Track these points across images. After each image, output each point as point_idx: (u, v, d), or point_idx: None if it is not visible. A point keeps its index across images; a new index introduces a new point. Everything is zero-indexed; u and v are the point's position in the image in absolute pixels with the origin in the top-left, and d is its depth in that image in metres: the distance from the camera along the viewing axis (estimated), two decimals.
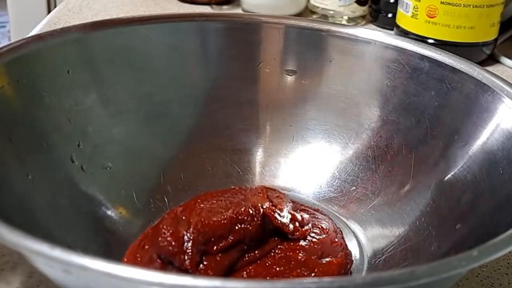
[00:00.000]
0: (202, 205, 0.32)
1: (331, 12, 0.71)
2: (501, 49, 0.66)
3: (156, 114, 0.39)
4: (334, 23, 0.46)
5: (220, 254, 0.29)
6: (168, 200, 0.37)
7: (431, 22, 0.60)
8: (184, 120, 0.41)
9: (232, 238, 0.29)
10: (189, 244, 0.29)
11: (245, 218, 0.30)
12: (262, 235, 0.31)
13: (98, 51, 0.38)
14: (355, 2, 0.70)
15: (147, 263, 0.29)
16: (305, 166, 0.41)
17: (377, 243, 0.35)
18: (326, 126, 0.41)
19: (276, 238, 0.31)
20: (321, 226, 0.33)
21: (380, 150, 0.39)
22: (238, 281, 0.20)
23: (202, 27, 0.42)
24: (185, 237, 0.29)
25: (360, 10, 0.72)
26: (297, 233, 0.32)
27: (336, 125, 0.41)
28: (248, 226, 0.30)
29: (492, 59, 0.65)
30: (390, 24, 0.68)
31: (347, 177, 0.39)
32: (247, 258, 0.30)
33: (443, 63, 0.37)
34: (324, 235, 0.32)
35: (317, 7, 0.72)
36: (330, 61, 0.41)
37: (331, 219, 0.35)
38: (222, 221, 0.30)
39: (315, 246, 0.31)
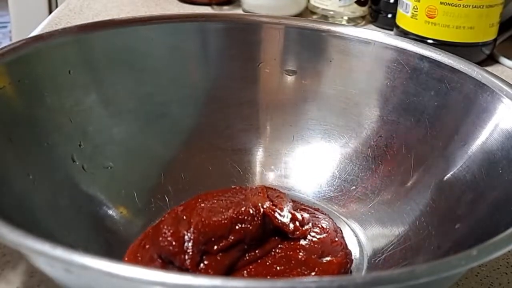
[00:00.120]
0: (202, 205, 0.32)
1: (331, 12, 0.71)
2: (500, 49, 0.66)
3: (156, 114, 0.40)
4: (334, 23, 0.46)
5: (220, 254, 0.29)
6: (168, 199, 0.37)
7: (430, 23, 0.60)
8: (184, 120, 0.41)
9: (232, 237, 0.29)
10: (190, 244, 0.29)
11: (246, 217, 0.30)
12: (262, 234, 0.31)
13: (98, 52, 0.38)
14: (355, 2, 0.70)
15: (147, 263, 0.30)
16: (305, 165, 0.41)
17: (377, 242, 0.35)
18: (326, 126, 0.41)
19: (276, 238, 0.31)
20: (321, 225, 0.33)
21: (380, 150, 0.39)
22: (238, 280, 0.20)
23: (203, 27, 0.42)
24: (186, 237, 0.29)
25: (360, 10, 0.72)
26: (297, 233, 0.32)
27: (336, 125, 0.41)
28: (249, 225, 0.30)
29: (492, 59, 0.65)
30: (390, 25, 0.68)
31: (347, 176, 0.39)
32: (247, 258, 0.30)
33: (442, 63, 0.37)
34: (324, 235, 0.33)
35: (317, 7, 0.72)
36: (330, 61, 0.41)
37: (331, 219, 0.35)
38: (223, 221, 0.30)
39: (315, 245, 0.32)
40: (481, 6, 0.58)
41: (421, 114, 0.38)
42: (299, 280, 0.19)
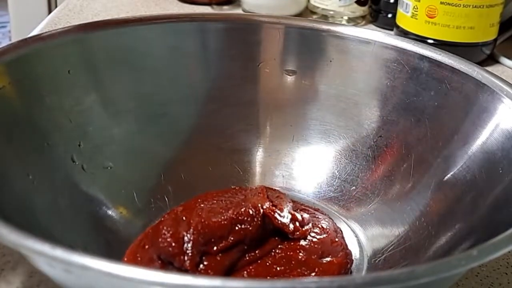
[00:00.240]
0: (202, 205, 0.32)
1: (331, 12, 0.71)
2: (500, 49, 0.66)
3: (156, 114, 0.40)
4: (334, 23, 0.46)
5: (220, 254, 0.29)
6: (168, 199, 0.37)
7: (430, 22, 0.60)
8: (184, 120, 0.41)
9: (232, 238, 0.29)
10: (189, 245, 0.29)
11: (245, 218, 0.30)
12: (262, 235, 0.31)
13: (98, 51, 0.38)
14: (355, 2, 0.70)
15: (147, 263, 0.30)
16: (305, 166, 0.41)
17: (377, 242, 0.35)
18: (326, 126, 0.41)
19: (276, 238, 0.31)
20: (321, 225, 0.33)
21: (380, 150, 0.39)
22: (238, 280, 0.20)
23: (202, 27, 0.42)
24: (185, 238, 0.29)
25: (360, 10, 0.72)
26: (297, 233, 0.32)
27: (336, 125, 0.41)
28: (248, 226, 0.30)
29: (492, 59, 0.65)
30: (390, 24, 0.68)
31: (347, 176, 0.39)
32: (247, 258, 0.30)
33: (442, 63, 0.37)
34: (324, 235, 0.33)
35: (317, 7, 0.72)
36: (330, 61, 0.41)
37: (331, 219, 0.35)
38: (222, 222, 0.30)
39: (315, 245, 0.32)
40: (481, 6, 0.58)
41: (421, 114, 0.38)
42: (299, 281, 0.19)
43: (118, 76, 0.38)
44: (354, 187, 0.39)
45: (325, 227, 0.33)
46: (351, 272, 0.32)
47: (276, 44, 0.42)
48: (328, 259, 0.31)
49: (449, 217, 0.32)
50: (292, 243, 0.31)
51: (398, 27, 0.64)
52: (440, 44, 0.58)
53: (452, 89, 0.36)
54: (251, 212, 0.30)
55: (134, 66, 0.39)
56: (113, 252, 0.32)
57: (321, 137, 0.41)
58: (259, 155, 0.41)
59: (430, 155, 0.36)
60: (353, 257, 0.33)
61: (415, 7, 0.61)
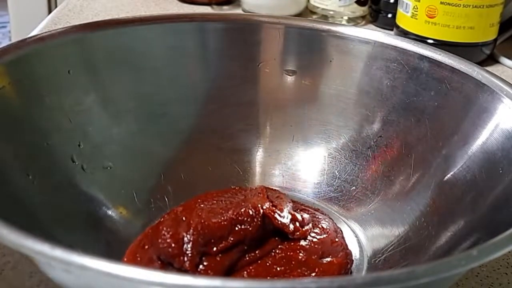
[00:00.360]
0: (202, 205, 0.32)
1: (331, 12, 0.71)
2: (500, 49, 0.66)
3: (156, 114, 0.40)
4: (334, 23, 0.46)
5: (220, 255, 0.29)
6: (168, 200, 0.37)
7: (430, 22, 0.60)
8: (184, 120, 0.41)
9: (232, 239, 0.29)
10: (189, 246, 0.29)
11: (245, 219, 0.30)
12: (262, 235, 0.31)
13: (98, 51, 0.38)
14: (355, 2, 0.70)
15: (146, 263, 0.30)
16: (305, 166, 0.41)
17: (377, 242, 0.35)
18: (326, 126, 0.41)
19: (276, 238, 0.31)
20: (322, 226, 0.33)
21: (380, 150, 0.39)
22: (238, 280, 0.20)
23: (202, 27, 0.42)
24: (185, 238, 0.29)
25: (360, 10, 0.72)
26: (298, 233, 0.32)
27: (336, 125, 0.41)
28: (248, 226, 0.30)
29: (492, 59, 0.65)
30: (390, 24, 0.68)
31: (347, 176, 0.39)
32: (247, 258, 0.30)
33: (442, 63, 0.37)
34: (324, 235, 0.33)
35: (317, 7, 0.72)
36: (330, 61, 0.41)
37: (331, 219, 0.35)
38: (222, 222, 0.30)
39: (316, 246, 0.32)
40: (481, 6, 0.58)
41: (421, 114, 0.38)
42: (299, 281, 0.19)
43: (118, 76, 0.38)
44: (354, 187, 0.39)
45: (325, 227, 0.33)
46: (351, 272, 0.32)
47: (276, 44, 0.42)
48: (328, 259, 0.31)
49: (449, 217, 0.32)
50: (292, 243, 0.31)
51: (398, 27, 0.64)
52: (440, 44, 0.58)
53: (452, 89, 0.36)
54: (251, 213, 0.30)
55: (134, 66, 0.39)
56: (113, 252, 0.32)
57: (321, 137, 0.41)
58: (259, 155, 0.41)
59: (430, 155, 0.36)
60: (353, 257, 0.33)
61: (415, 7, 0.61)
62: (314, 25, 0.42)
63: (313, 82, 0.42)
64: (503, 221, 0.27)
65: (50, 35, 0.36)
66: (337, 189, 0.39)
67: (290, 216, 0.32)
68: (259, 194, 0.33)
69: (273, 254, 0.31)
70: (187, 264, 0.28)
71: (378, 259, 0.33)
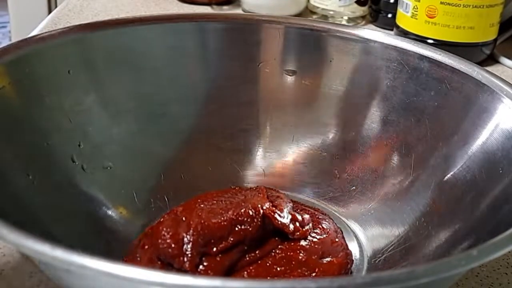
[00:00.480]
0: (202, 206, 0.32)
1: (331, 12, 0.71)
2: (500, 49, 0.66)
3: (156, 114, 0.40)
4: (334, 23, 0.46)
5: (220, 255, 0.29)
6: (168, 199, 0.37)
7: (430, 22, 0.60)
8: (184, 120, 0.41)
9: (232, 239, 0.29)
10: (189, 246, 0.29)
11: (245, 219, 0.30)
12: (262, 235, 0.31)
13: (98, 51, 0.38)
14: (355, 2, 0.70)
15: (146, 264, 0.30)
16: (305, 166, 0.41)
17: (377, 243, 0.35)
18: (326, 126, 0.41)
19: (276, 238, 0.31)
20: (322, 226, 0.33)
21: (380, 150, 0.39)
22: (238, 280, 0.20)
23: (202, 27, 0.42)
24: (185, 239, 0.29)
25: (360, 10, 0.72)
26: (298, 233, 0.32)
27: (336, 125, 0.41)
28: (248, 227, 0.30)
29: (492, 59, 0.65)
30: (390, 24, 0.68)
31: (347, 177, 0.39)
32: (247, 259, 0.30)
33: (442, 63, 0.37)
34: (324, 235, 0.33)
35: (317, 7, 0.72)
36: (330, 61, 0.41)
37: (331, 219, 0.35)
38: (222, 223, 0.30)
39: (316, 246, 0.32)
40: (481, 6, 0.58)
41: (421, 114, 0.38)
42: (299, 281, 0.19)
43: (118, 76, 0.38)
44: (354, 187, 0.39)
45: (325, 227, 0.33)
46: (351, 273, 0.32)
47: (276, 44, 0.42)
48: (329, 259, 0.31)
49: (449, 217, 0.32)
50: (292, 244, 0.31)
51: (398, 27, 0.64)
52: (440, 44, 0.58)
53: (452, 89, 0.36)
54: (251, 213, 0.30)
55: (134, 66, 0.39)
56: (113, 252, 0.32)
57: (321, 137, 0.41)
58: (259, 155, 0.41)
59: (430, 155, 0.36)
60: (353, 257, 0.33)
61: (415, 7, 0.61)
62: (314, 25, 0.42)
63: (313, 82, 0.42)
64: (503, 221, 0.27)
65: (50, 35, 0.36)
66: (337, 189, 0.39)
67: (290, 216, 0.32)
68: (259, 194, 0.33)
69: (273, 254, 0.31)
70: (187, 264, 0.28)
71: (378, 259, 0.33)
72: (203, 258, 0.29)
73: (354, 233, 0.36)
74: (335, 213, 0.37)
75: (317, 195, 0.39)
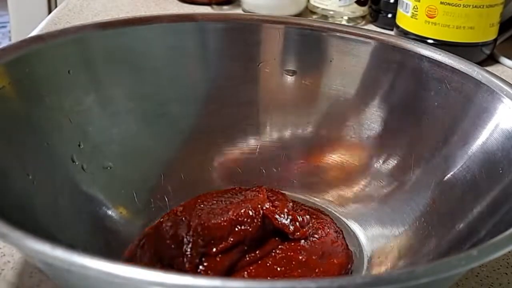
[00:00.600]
0: (202, 206, 0.32)
1: (331, 12, 0.71)
2: (500, 49, 0.66)
3: (156, 114, 0.40)
4: (334, 23, 0.46)
5: (220, 255, 0.29)
6: (168, 199, 0.37)
7: (430, 22, 0.60)
8: (184, 120, 0.41)
9: (232, 239, 0.29)
10: (189, 247, 0.29)
11: (245, 219, 0.30)
12: (262, 235, 0.31)
13: (98, 51, 0.38)
14: (355, 2, 0.70)
15: (146, 264, 0.30)
16: (305, 166, 0.41)
17: (377, 243, 0.35)
18: (326, 126, 0.41)
19: (276, 239, 0.31)
20: (322, 226, 0.33)
21: (380, 150, 0.39)
22: (238, 280, 0.20)
23: (202, 27, 0.42)
24: (185, 239, 0.29)
25: (360, 10, 0.72)
26: (298, 233, 0.32)
27: (336, 125, 0.41)
28: (248, 227, 0.30)
29: (492, 59, 0.65)
30: (390, 24, 0.68)
31: (347, 176, 0.39)
32: (247, 259, 0.30)
33: (442, 63, 0.37)
34: (324, 235, 0.33)
35: (317, 7, 0.72)
36: (330, 61, 0.41)
37: (332, 219, 0.35)
38: (222, 223, 0.30)
39: (316, 246, 0.32)
40: (481, 6, 0.58)
41: (421, 114, 0.38)
42: (299, 281, 0.19)
43: (118, 76, 0.38)
44: (354, 187, 0.39)
45: (325, 227, 0.33)
46: (351, 273, 0.32)
47: (276, 44, 0.42)
48: (329, 259, 0.31)
49: (449, 217, 0.32)
50: (292, 244, 0.31)
51: (398, 27, 0.64)
52: (440, 44, 0.58)
53: (452, 89, 0.36)
54: (251, 213, 0.30)
55: (134, 66, 0.39)
56: (113, 252, 0.32)
57: (321, 137, 0.41)
58: (259, 154, 0.41)
59: (430, 155, 0.36)
60: (353, 257, 0.33)
61: (415, 7, 0.61)
62: (314, 25, 0.42)
63: (313, 82, 0.42)
64: (503, 221, 0.27)
65: (50, 35, 0.36)
66: (337, 189, 0.39)
67: (290, 217, 0.32)
68: (259, 194, 0.33)
69: (273, 254, 0.31)
70: (187, 265, 0.28)
71: (378, 259, 0.33)
72: (203, 259, 0.29)
73: (354, 233, 0.36)
74: (335, 213, 0.37)
75: (317, 196, 0.39)
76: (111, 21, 0.39)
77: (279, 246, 0.31)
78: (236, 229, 0.30)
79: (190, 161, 0.40)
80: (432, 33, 0.60)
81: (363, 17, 0.73)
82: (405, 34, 0.62)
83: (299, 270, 0.30)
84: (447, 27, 0.59)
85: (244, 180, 0.40)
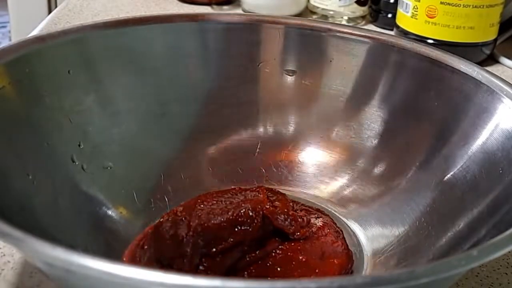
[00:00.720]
0: (202, 206, 0.32)
1: (331, 12, 0.71)
2: (500, 49, 0.66)
3: (156, 114, 0.40)
4: (334, 23, 0.46)
5: (220, 256, 0.29)
6: (168, 199, 0.37)
7: (430, 22, 0.60)
8: (184, 120, 0.41)
9: (232, 239, 0.29)
10: (188, 247, 0.29)
11: (245, 219, 0.30)
12: (262, 235, 0.31)
13: (98, 51, 0.38)
14: (355, 2, 0.70)
15: (146, 264, 0.30)
16: (305, 166, 0.41)
17: (377, 242, 0.35)
18: (326, 126, 0.41)
19: (277, 239, 0.31)
20: (322, 226, 0.33)
21: (380, 150, 0.39)
22: (238, 280, 0.20)
23: (202, 27, 0.42)
24: (185, 240, 0.29)
25: (360, 10, 0.72)
26: (298, 234, 0.32)
27: (336, 125, 0.41)
28: (248, 227, 0.30)
29: (492, 59, 0.65)
30: (390, 24, 0.68)
31: (347, 177, 0.39)
32: (248, 259, 0.30)
33: (443, 63, 0.37)
34: (324, 235, 0.33)
35: (317, 7, 0.72)
36: (330, 61, 0.41)
37: (332, 219, 0.35)
38: (222, 224, 0.30)
39: (316, 246, 0.32)
40: (481, 6, 0.58)
41: (421, 114, 0.38)
42: (298, 281, 0.19)
43: (118, 76, 0.38)
44: (354, 187, 0.39)
45: (325, 227, 0.33)
46: (351, 273, 0.32)
47: (276, 44, 0.42)
48: (329, 259, 0.31)
49: (449, 217, 0.32)
50: (292, 244, 0.31)
51: (398, 27, 0.64)
52: (440, 44, 0.58)
53: (452, 89, 0.36)
54: (251, 213, 0.30)
55: (134, 66, 0.39)
56: (113, 252, 0.32)
57: (321, 137, 0.41)
58: (259, 155, 0.41)
59: (430, 155, 0.36)
60: (353, 258, 0.33)
61: (415, 7, 0.61)
62: (314, 25, 0.42)
63: (313, 82, 0.42)
64: (503, 221, 0.27)
65: (50, 35, 0.36)
66: (337, 189, 0.39)
67: (290, 217, 0.32)
68: (259, 194, 0.33)
69: (273, 254, 0.31)
70: (186, 265, 0.28)
71: (378, 259, 0.33)
72: (203, 259, 0.29)
73: (354, 233, 0.36)
74: (335, 213, 0.37)
75: (317, 195, 0.39)
76: (111, 21, 0.39)
77: (279, 246, 0.31)
78: (236, 229, 0.30)
79: (190, 161, 0.40)
80: (432, 33, 0.60)
81: (363, 17, 0.73)
82: (405, 34, 0.62)
83: (299, 270, 0.30)
84: (447, 27, 0.59)
85: (244, 180, 0.40)
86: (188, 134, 0.41)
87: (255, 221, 0.30)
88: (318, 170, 0.40)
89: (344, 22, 0.71)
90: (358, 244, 0.35)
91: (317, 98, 0.42)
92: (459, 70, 0.36)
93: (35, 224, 0.29)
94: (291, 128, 0.42)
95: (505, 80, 0.34)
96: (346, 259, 0.32)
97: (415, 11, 0.61)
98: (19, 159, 0.31)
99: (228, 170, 0.40)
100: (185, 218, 0.30)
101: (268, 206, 0.31)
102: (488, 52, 0.63)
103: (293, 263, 0.30)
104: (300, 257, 0.31)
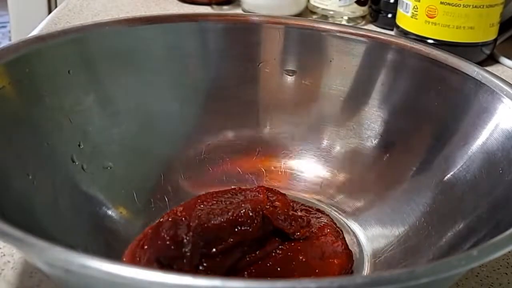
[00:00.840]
0: (202, 206, 0.32)
1: (331, 12, 0.71)
2: (500, 49, 0.66)
3: (156, 114, 0.40)
4: (334, 23, 0.46)
5: (220, 256, 0.29)
6: (168, 199, 0.37)
7: (430, 22, 0.60)
8: (184, 120, 0.41)
9: (232, 240, 0.29)
10: (188, 248, 0.28)
11: (245, 220, 0.30)
12: (262, 235, 0.31)
13: (98, 51, 0.38)
14: (355, 2, 0.70)
15: (146, 264, 0.29)
16: (305, 166, 0.41)
17: (377, 242, 0.35)
18: (326, 126, 0.41)
19: (277, 239, 0.31)
20: (322, 226, 0.33)
21: (380, 150, 0.39)
22: (238, 280, 0.20)
23: (202, 27, 0.42)
24: (184, 240, 0.29)
25: (360, 10, 0.72)
26: (298, 234, 0.32)
27: (336, 125, 0.41)
28: (248, 227, 0.30)
29: (492, 59, 0.65)
30: (390, 24, 0.68)
31: (348, 177, 0.39)
32: (248, 259, 0.30)
33: (443, 63, 0.37)
34: (325, 235, 0.33)
35: (317, 7, 0.72)
36: (330, 61, 0.41)
37: (332, 219, 0.35)
38: (222, 224, 0.30)
39: (316, 246, 0.32)
40: (481, 6, 0.58)
41: (421, 114, 0.38)
42: (298, 281, 0.19)
43: (118, 76, 0.38)
44: (354, 187, 0.39)
45: (325, 227, 0.33)
46: (351, 273, 0.32)
47: (276, 44, 0.42)
48: (329, 259, 0.31)
49: (449, 217, 0.32)
50: (292, 244, 0.31)
51: (398, 27, 0.64)
52: (440, 44, 0.58)
53: (452, 89, 0.36)
54: (250, 214, 0.30)
55: (134, 66, 0.39)
56: (113, 252, 0.32)
57: (321, 137, 0.41)
58: (259, 155, 0.41)
59: (430, 155, 0.36)
60: (353, 258, 0.33)
61: (415, 7, 0.61)
62: (314, 25, 0.42)
63: (313, 82, 0.42)
64: (503, 221, 0.27)
65: (50, 35, 0.36)
66: (337, 189, 0.39)
67: (290, 217, 0.32)
68: (259, 195, 0.33)
69: (273, 254, 0.31)
70: (186, 265, 0.28)
71: (378, 259, 0.33)
72: (203, 259, 0.29)
73: (354, 233, 0.36)
74: (336, 213, 0.37)
75: (317, 195, 0.39)
76: (111, 21, 0.39)
77: (279, 247, 0.31)
78: (236, 229, 0.30)
79: (190, 161, 0.40)
80: (432, 33, 0.60)
81: (363, 17, 0.73)
82: (405, 34, 0.62)
83: (299, 270, 0.30)
84: (447, 27, 0.59)
85: (244, 180, 0.40)
86: (188, 134, 0.41)
87: (255, 221, 0.30)
88: (318, 170, 0.40)
89: (344, 22, 0.71)
90: (358, 244, 0.35)
91: (317, 98, 0.42)
92: (459, 70, 0.36)
93: (35, 224, 0.29)
94: (291, 128, 0.42)
95: (505, 80, 0.34)
96: (346, 259, 0.32)
97: (415, 11, 0.61)
98: (19, 159, 0.31)
99: (228, 170, 0.40)
100: (185, 218, 0.30)
101: (268, 206, 0.31)
102: (488, 52, 0.63)
103: (293, 263, 0.30)
104: (300, 257, 0.31)
